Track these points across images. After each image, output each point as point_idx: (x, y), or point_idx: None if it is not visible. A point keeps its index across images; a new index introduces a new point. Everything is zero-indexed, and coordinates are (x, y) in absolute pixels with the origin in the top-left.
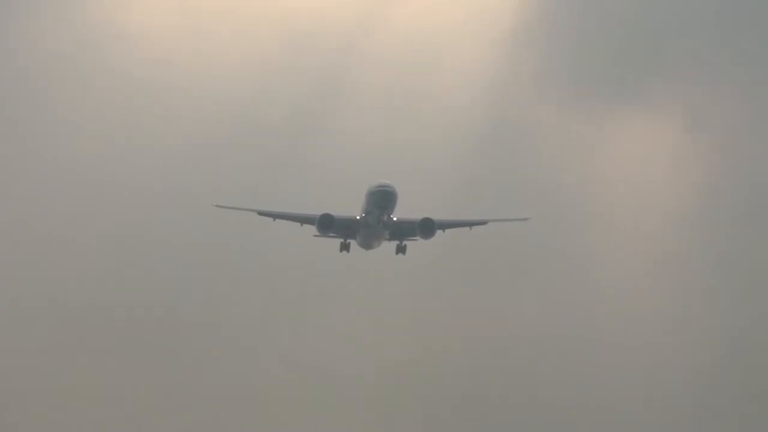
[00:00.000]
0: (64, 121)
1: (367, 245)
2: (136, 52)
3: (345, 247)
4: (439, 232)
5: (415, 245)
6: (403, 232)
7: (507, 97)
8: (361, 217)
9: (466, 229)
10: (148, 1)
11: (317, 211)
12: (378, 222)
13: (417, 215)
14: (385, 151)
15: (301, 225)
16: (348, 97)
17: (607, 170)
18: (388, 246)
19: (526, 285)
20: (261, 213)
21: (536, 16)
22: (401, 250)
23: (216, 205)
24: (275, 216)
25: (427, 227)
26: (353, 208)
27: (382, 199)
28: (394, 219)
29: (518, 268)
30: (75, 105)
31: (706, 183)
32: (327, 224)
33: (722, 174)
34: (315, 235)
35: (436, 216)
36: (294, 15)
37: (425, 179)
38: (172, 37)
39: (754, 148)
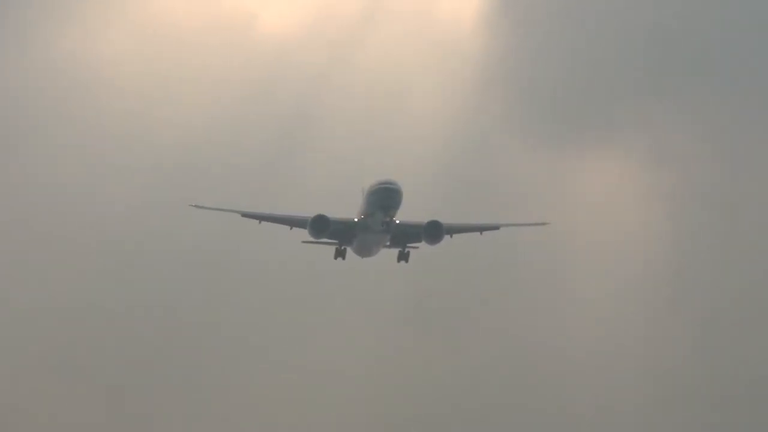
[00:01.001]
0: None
1: (364, 252)
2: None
3: (340, 254)
4: (446, 238)
5: (419, 252)
6: (407, 236)
7: (473, 133)
8: (360, 220)
9: (476, 234)
10: (117, 32)
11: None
12: (381, 225)
13: (421, 218)
14: (351, 184)
15: (291, 229)
16: (318, 128)
17: (573, 206)
18: (387, 254)
19: (539, 297)
20: (245, 215)
21: (504, 50)
22: (404, 257)
23: (193, 205)
24: (261, 218)
25: (434, 231)
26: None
27: (386, 198)
28: (397, 222)
29: (532, 278)
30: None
31: (671, 215)
32: (321, 227)
33: (688, 208)
34: (305, 242)
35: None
36: (265, 46)
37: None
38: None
39: (719, 181)
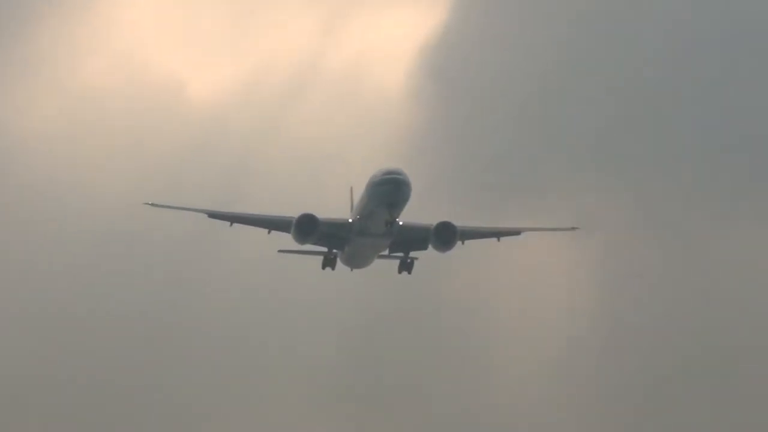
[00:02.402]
0: None
1: (357, 261)
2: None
3: (329, 262)
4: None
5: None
6: (410, 242)
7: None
8: (356, 221)
9: (492, 241)
10: (46, 99)
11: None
12: (384, 226)
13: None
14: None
15: (269, 232)
16: (247, 195)
17: (496, 279)
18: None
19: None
20: (213, 215)
21: (432, 119)
22: (406, 266)
23: (147, 204)
24: (232, 219)
25: (446, 235)
26: None
27: (394, 191)
28: (401, 223)
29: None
30: None
31: (597, 286)
32: (308, 229)
33: (617, 277)
34: (282, 251)
35: None
36: (194, 112)
37: None
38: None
39: (645, 251)
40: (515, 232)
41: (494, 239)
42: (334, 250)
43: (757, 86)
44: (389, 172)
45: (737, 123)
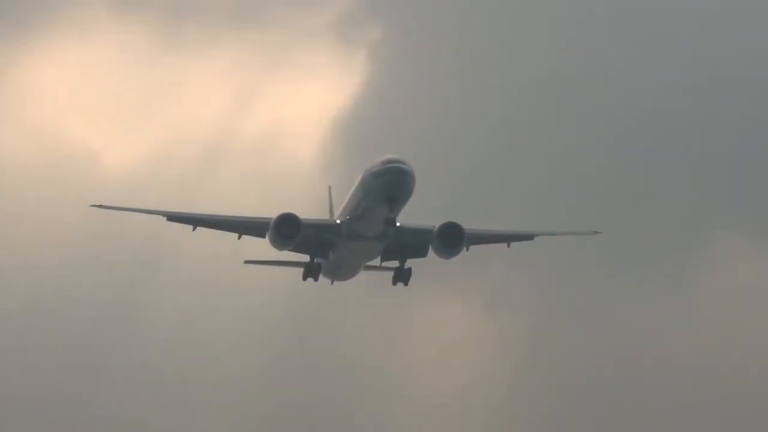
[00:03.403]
0: None
1: (342, 271)
2: None
3: (312, 272)
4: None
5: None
6: (408, 246)
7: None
8: (344, 222)
9: (501, 246)
10: None
11: None
12: (379, 226)
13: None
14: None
15: (239, 237)
16: (164, 266)
17: (405, 350)
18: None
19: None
20: (172, 218)
21: (346, 189)
22: (402, 276)
23: (95, 206)
24: (196, 222)
25: (452, 238)
26: None
27: (397, 183)
28: (398, 225)
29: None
30: None
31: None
32: (289, 232)
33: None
34: (249, 261)
35: None
36: (107, 183)
37: None
38: None
39: (558, 327)
40: (528, 237)
41: (504, 245)
42: (316, 259)
43: None
44: (390, 161)
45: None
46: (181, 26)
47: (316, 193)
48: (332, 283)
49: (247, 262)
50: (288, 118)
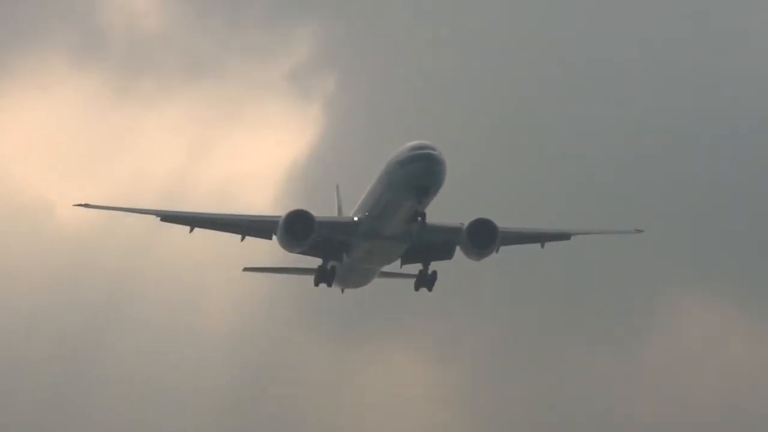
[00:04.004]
0: None
1: (357, 276)
2: None
3: (325, 276)
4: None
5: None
6: (433, 247)
7: (264, 328)
8: (363, 219)
9: (535, 246)
10: None
11: None
12: (404, 223)
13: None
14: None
15: (242, 239)
16: (120, 320)
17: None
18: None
19: None
20: (166, 218)
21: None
22: (426, 281)
23: (80, 205)
24: (194, 222)
25: (483, 236)
26: None
27: (425, 172)
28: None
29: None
30: None
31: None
32: (302, 232)
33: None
34: (248, 269)
35: None
36: (64, 234)
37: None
38: None
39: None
40: (563, 236)
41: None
42: (331, 262)
43: None
44: (420, 147)
45: None
46: (137, 77)
47: (271, 244)
48: (342, 291)
49: (246, 269)
50: (243, 170)
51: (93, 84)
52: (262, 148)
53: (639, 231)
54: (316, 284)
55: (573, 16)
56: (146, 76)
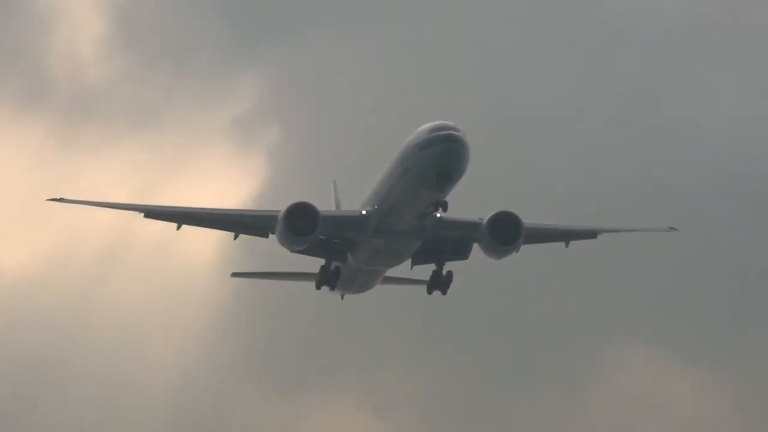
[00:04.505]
0: None
1: (362, 279)
2: None
3: (327, 278)
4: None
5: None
6: (449, 245)
7: (209, 377)
8: (372, 212)
9: (558, 245)
10: None
11: None
12: (420, 216)
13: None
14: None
15: (236, 237)
16: (58, 368)
17: None
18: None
19: None
20: (151, 214)
21: (249, 291)
22: (440, 283)
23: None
24: (181, 219)
25: (505, 231)
26: None
27: (447, 155)
28: (437, 215)
29: None
30: None
31: None
32: (304, 227)
33: None
34: (237, 274)
35: None
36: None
37: None
38: None
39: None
40: (590, 234)
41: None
42: (334, 262)
43: None
44: (441, 128)
45: None
46: (82, 126)
47: (215, 292)
48: (342, 297)
49: (234, 275)
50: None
51: (37, 133)
52: (206, 198)
53: (673, 229)
54: (318, 287)
55: None
56: (91, 125)
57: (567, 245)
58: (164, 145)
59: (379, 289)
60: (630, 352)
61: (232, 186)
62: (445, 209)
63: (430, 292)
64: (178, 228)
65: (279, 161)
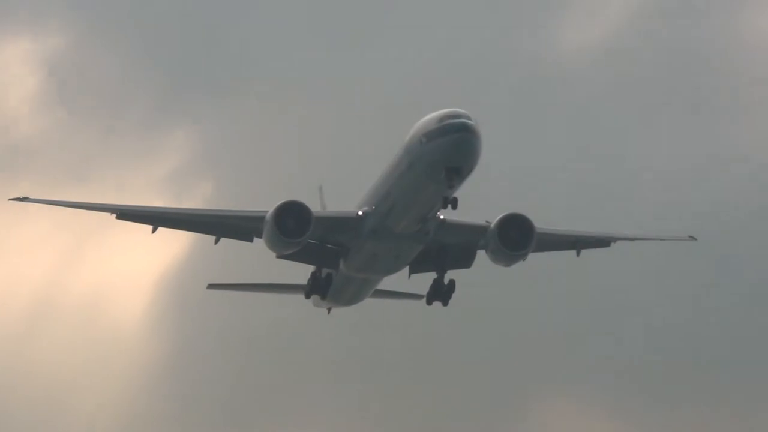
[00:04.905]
0: None
1: (353, 289)
2: None
3: (318, 286)
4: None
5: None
6: (451, 252)
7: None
8: (370, 213)
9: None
10: None
11: None
12: (427, 216)
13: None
14: None
15: (216, 242)
16: None
17: None
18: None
19: None
20: (123, 215)
21: (171, 350)
22: (441, 292)
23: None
24: (156, 220)
25: (516, 235)
26: None
27: (459, 146)
28: (441, 217)
29: None
30: None
31: None
32: (297, 227)
33: None
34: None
35: None
36: None
37: None
38: None
39: None
40: (603, 242)
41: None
42: (325, 269)
43: None
44: (451, 115)
45: None
46: (12, 182)
47: (142, 350)
48: (329, 311)
49: (211, 286)
50: (116, 276)
51: None
52: (136, 254)
53: (692, 239)
54: (308, 296)
55: None
56: (21, 181)
57: (578, 254)
58: (95, 200)
59: (370, 302)
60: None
61: (163, 241)
62: (454, 207)
63: (429, 302)
64: (154, 231)
65: None
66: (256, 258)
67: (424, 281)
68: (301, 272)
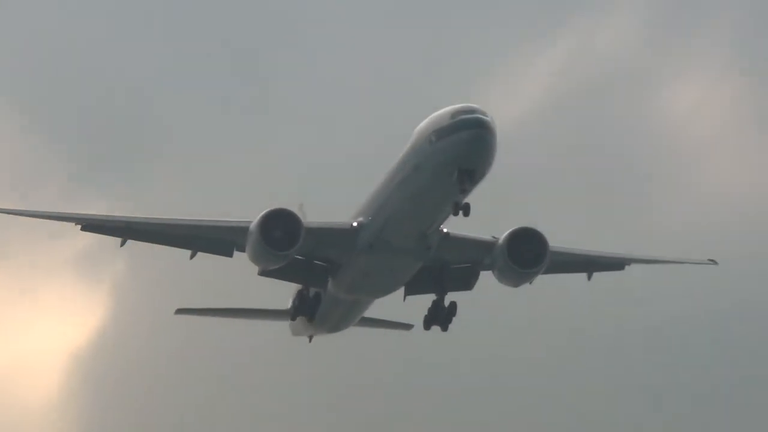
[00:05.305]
0: None
1: (340, 312)
2: None
3: (305, 306)
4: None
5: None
6: (452, 271)
7: None
8: (366, 224)
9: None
10: None
11: None
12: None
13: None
14: None
15: (192, 256)
16: None
17: None
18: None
19: None
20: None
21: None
22: (440, 316)
23: None
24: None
25: (528, 251)
26: None
27: (474, 144)
28: (444, 230)
29: None
30: None
31: None
32: (285, 239)
33: None
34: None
35: None
36: None
37: None
38: None
39: None
40: (617, 265)
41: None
42: (312, 288)
43: None
44: (466, 110)
45: None
46: None
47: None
48: (310, 339)
49: (179, 311)
50: (26, 354)
51: None
52: (47, 332)
53: (713, 262)
54: (294, 318)
55: None
56: None
57: (590, 278)
58: (4, 277)
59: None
60: None
61: (74, 319)
62: (466, 213)
63: (427, 327)
64: (123, 244)
65: (124, 292)
66: (229, 278)
67: (418, 306)
68: (280, 296)
